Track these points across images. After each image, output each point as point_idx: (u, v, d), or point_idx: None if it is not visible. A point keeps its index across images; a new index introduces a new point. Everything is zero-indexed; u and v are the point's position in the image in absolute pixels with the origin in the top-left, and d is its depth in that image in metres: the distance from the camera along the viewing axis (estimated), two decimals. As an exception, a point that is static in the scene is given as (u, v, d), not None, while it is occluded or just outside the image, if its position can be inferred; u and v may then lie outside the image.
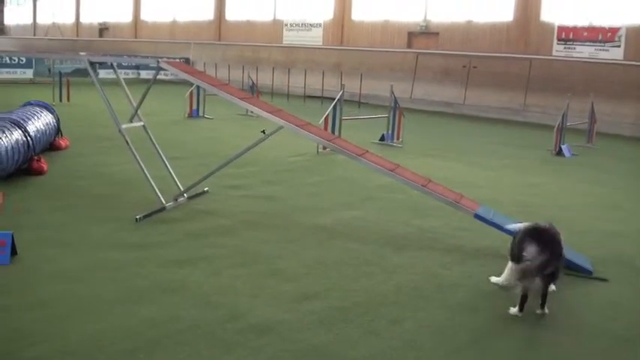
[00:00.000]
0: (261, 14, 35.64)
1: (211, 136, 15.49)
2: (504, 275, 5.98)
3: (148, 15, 43.83)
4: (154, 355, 4.40)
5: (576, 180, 12.29)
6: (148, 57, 29.32)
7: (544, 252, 5.23)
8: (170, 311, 5.11)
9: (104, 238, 6.96)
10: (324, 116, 13.97)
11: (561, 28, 24.43)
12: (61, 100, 21.05)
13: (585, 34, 23.81)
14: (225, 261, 6.43)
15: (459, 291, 5.98)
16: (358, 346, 4.70)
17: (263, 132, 8.00)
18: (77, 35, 49.54)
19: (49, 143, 11.85)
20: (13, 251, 6.11)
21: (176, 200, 8.51)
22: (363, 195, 9.80)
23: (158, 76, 9.26)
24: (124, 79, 9.79)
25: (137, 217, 7.65)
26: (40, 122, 11.11)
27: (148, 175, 8.38)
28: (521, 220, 6.35)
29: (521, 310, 5.41)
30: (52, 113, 12.22)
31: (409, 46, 29.21)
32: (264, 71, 30.39)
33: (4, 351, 4.35)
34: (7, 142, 9.14)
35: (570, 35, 24.20)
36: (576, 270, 6.49)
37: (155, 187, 8.29)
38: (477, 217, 7.31)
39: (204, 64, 33.71)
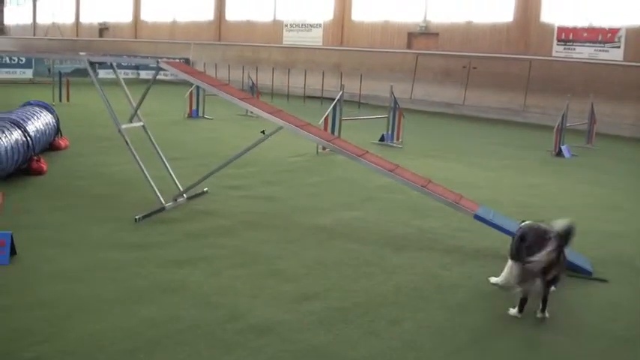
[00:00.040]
0: (261, 14, 35.65)
1: (211, 136, 15.49)
2: (503, 274, 5.99)
3: (147, 15, 43.84)
4: (154, 355, 4.39)
5: (576, 181, 12.29)
6: (147, 57, 29.32)
7: (550, 255, 5.22)
8: (170, 311, 5.11)
9: (104, 238, 6.96)
10: (324, 117, 13.97)
11: (561, 29, 24.44)
12: (60, 100, 21.04)
13: (585, 34, 23.82)
14: (225, 261, 6.43)
15: (459, 292, 5.97)
16: (358, 347, 4.69)
17: (263, 132, 8.00)
18: (77, 35, 49.54)
19: (49, 143, 11.85)
20: (13, 251, 6.11)
21: (175, 200, 8.50)
22: (362, 195, 9.80)
23: (158, 77, 9.26)
24: (124, 79, 9.79)
25: (136, 217, 7.65)
26: (39, 122, 11.10)
27: (147, 175, 8.38)
28: (521, 220, 6.33)
29: (520, 311, 5.41)
30: (51, 113, 12.22)
31: (409, 46, 29.22)
32: (264, 71, 30.39)
33: (4, 351, 4.35)
34: (6, 142, 9.13)
35: (570, 36, 24.22)
36: (576, 271, 6.49)
37: (155, 187, 8.29)
38: (477, 217, 7.31)
39: (204, 64, 33.71)
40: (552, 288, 5.55)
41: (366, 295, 5.75)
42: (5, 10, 60.37)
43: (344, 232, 7.74)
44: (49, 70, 27.56)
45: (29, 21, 55.79)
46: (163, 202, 8.23)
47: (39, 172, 9.88)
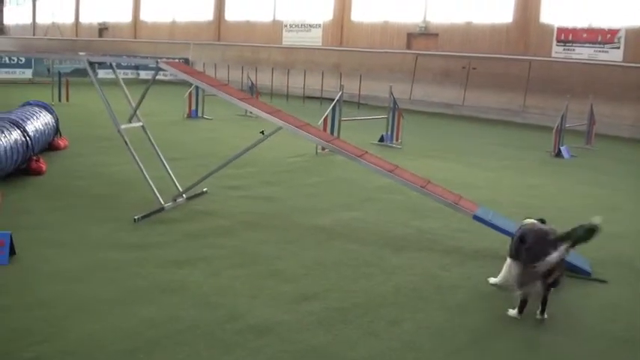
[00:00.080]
0: (260, 15, 35.65)
1: (210, 136, 15.48)
2: (502, 273, 6.00)
3: (147, 15, 43.83)
4: (154, 355, 4.39)
5: (575, 181, 12.29)
6: (147, 57, 29.31)
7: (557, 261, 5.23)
8: (169, 311, 5.11)
9: (103, 239, 6.96)
10: (324, 117, 13.97)
11: (561, 30, 24.45)
12: (60, 100, 21.04)
13: (585, 35, 23.83)
14: (225, 261, 6.43)
15: (458, 292, 5.97)
16: (357, 347, 4.69)
17: (262, 133, 8.00)
18: (76, 35, 49.52)
19: (48, 143, 11.84)
20: (12, 251, 6.11)
21: (175, 201, 8.50)
22: (362, 196, 9.80)
23: (157, 77, 9.26)
24: (123, 79, 9.78)
25: (135, 217, 7.65)
26: (39, 122, 11.10)
27: (146, 175, 8.37)
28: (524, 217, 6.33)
29: (520, 312, 5.41)
30: (51, 113, 12.21)
31: (408, 47, 29.22)
32: (263, 72, 30.37)
33: (4, 351, 4.35)
34: (5, 142, 9.13)
35: (570, 37, 24.22)
36: (575, 271, 6.49)
37: (154, 187, 8.29)
38: (476, 218, 7.31)
39: (204, 64, 33.68)
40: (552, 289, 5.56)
41: (366, 295, 5.75)
42: (5, 9, 60.35)
43: (343, 233, 7.74)
44: (49, 70, 27.55)
45: (29, 21, 55.77)
46: (162, 202, 8.23)
47: (38, 172, 9.88)
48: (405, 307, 5.52)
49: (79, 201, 8.57)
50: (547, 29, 24.80)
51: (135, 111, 8.78)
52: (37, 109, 11.84)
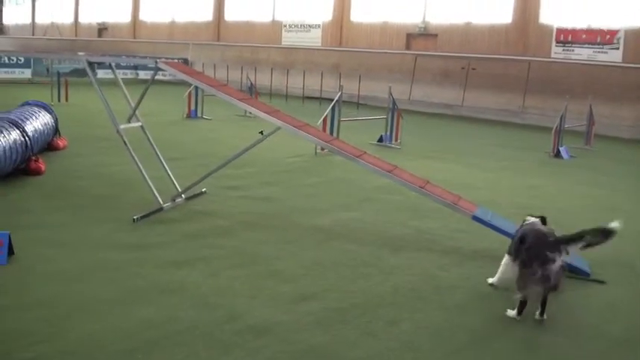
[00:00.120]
0: (260, 15, 35.66)
1: (209, 136, 15.48)
2: (499, 271, 6.00)
3: (146, 15, 43.83)
4: (152, 356, 4.39)
5: (574, 182, 12.30)
6: (146, 57, 29.30)
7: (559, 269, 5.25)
8: (168, 312, 5.11)
9: (102, 239, 6.95)
10: (323, 117, 13.97)
11: (560, 30, 24.47)
12: (59, 100, 21.03)
13: (584, 36, 23.86)
14: (224, 262, 6.43)
15: (457, 292, 5.97)
16: (356, 347, 4.69)
17: (261, 133, 8.00)
18: (76, 35, 49.51)
19: (47, 143, 11.83)
20: (10, 251, 6.10)
21: (174, 201, 8.50)
22: (361, 196, 9.80)
23: (157, 77, 9.26)
24: (123, 79, 9.78)
25: (134, 217, 7.64)
26: (38, 122, 11.09)
27: (145, 175, 8.37)
28: (519, 222, 6.33)
29: (519, 314, 5.41)
30: (50, 113, 12.20)
31: (408, 47, 29.24)
32: (262, 72, 30.38)
33: (3, 351, 4.34)
34: (4, 142, 9.13)
35: (569, 37, 24.24)
36: (574, 272, 6.49)
37: (153, 187, 8.28)
38: (475, 218, 7.31)
39: (203, 64, 33.69)
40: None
41: (364, 295, 5.75)
42: (4, 9, 60.33)
43: (342, 233, 7.74)
44: (48, 70, 27.54)
45: (28, 21, 55.75)
46: (161, 202, 8.22)
47: (37, 172, 9.87)
48: (403, 308, 5.52)
49: (78, 201, 8.56)
50: (546, 30, 24.83)
51: (134, 111, 8.78)
52: (36, 109, 11.83)
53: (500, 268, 6.01)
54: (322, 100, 25.62)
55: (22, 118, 10.56)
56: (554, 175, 12.98)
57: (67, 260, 6.20)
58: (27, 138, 9.87)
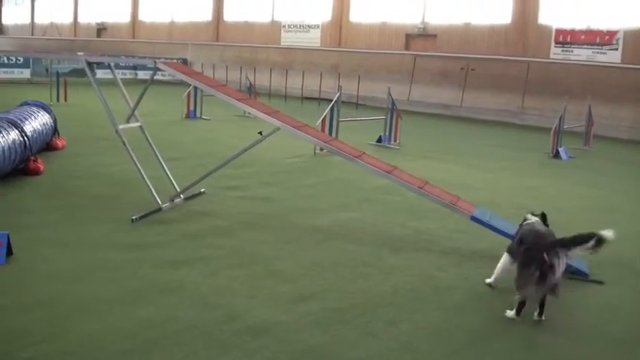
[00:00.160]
0: (259, 15, 35.66)
1: (208, 137, 15.48)
2: (498, 267, 6.00)
3: (145, 15, 43.82)
4: (152, 355, 4.39)
5: (574, 183, 12.31)
6: (145, 57, 29.30)
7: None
8: (167, 312, 5.11)
9: (101, 239, 6.95)
10: (322, 118, 13.96)
11: (559, 31, 24.48)
12: (58, 100, 21.01)
13: (583, 37, 23.87)
14: (223, 262, 6.42)
15: (456, 293, 5.98)
16: (355, 348, 4.69)
17: (260, 133, 8.00)
18: (75, 35, 49.49)
19: (46, 143, 11.82)
20: (9, 251, 6.09)
21: (173, 201, 8.49)
22: (359, 197, 9.80)
23: (155, 77, 9.26)
24: (122, 79, 9.78)
25: (133, 217, 7.64)
26: (37, 122, 11.09)
27: (144, 175, 8.36)
28: (518, 222, 6.33)
29: (518, 314, 5.41)
30: (49, 113, 12.19)
31: (407, 48, 29.24)
32: (262, 72, 30.38)
33: (4, 350, 4.34)
34: (3, 142, 9.12)
35: (568, 38, 24.25)
36: (573, 273, 6.49)
37: (152, 187, 8.28)
38: (474, 219, 7.31)
39: (202, 64, 33.69)
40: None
41: (363, 296, 5.75)
42: (3, 9, 60.31)
43: (341, 233, 7.74)
44: (47, 70, 27.50)
45: (27, 21, 55.73)
46: (160, 202, 8.22)
47: (36, 172, 9.87)
48: (402, 308, 5.52)
49: (76, 201, 8.56)
50: (545, 30, 24.84)
51: (133, 111, 8.77)
52: (35, 109, 11.83)
53: (498, 265, 6.01)
54: (321, 100, 25.62)
55: (21, 118, 10.56)
56: (553, 175, 12.99)
57: (66, 260, 6.20)
58: (26, 138, 9.87)
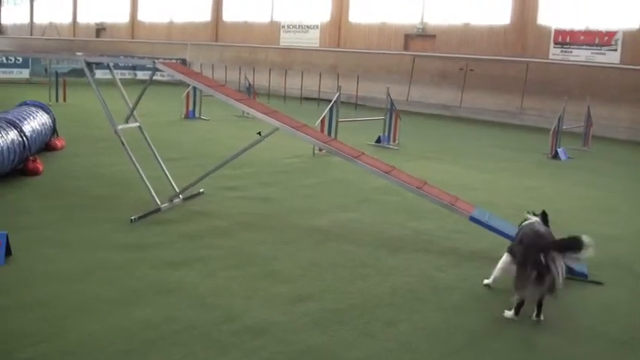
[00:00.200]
0: (258, 15, 35.64)
1: (207, 137, 15.48)
2: (497, 268, 6.00)
3: (145, 15, 43.80)
4: (150, 356, 4.39)
5: (572, 183, 12.31)
6: (144, 58, 29.27)
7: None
8: (166, 312, 5.10)
9: (100, 239, 6.95)
10: (321, 118, 13.97)
11: (558, 32, 24.49)
12: (57, 101, 20.99)
13: (582, 37, 23.87)
14: (221, 262, 6.42)
15: (455, 293, 5.98)
16: (353, 348, 4.69)
17: (259, 133, 8.00)
18: (74, 35, 49.46)
19: (45, 143, 11.82)
20: (8, 251, 6.09)
21: (171, 201, 8.49)
22: (358, 197, 9.80)
23: (155, 77, 9.27)
24: (121, 79, 9.78)
25: (132, 218, 7.64)
26: (35, 122, 11.08)
27: (143, 176, 8.36)
28: (517, 223, 6.34)
29: (516, 314, 5.42)
30: (48, 113, 12.19)
31: (406, 48, 29.24)
32: (261, 72, 30.37)
33: (4, 350, 4.34)
34: (2, 142, 9.12)
35: (567, 39, 24.26)
36: (571, 273, 6.49)
37: (150, 188, 8.27)
38: (472, 219, 7.31)
39: (201, 65, 33.70)
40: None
41: (362, 296, 5.75)
42: (2, 9, 60.27)
43: (340, 234, 7.74)
44: (46, 70, 27.47)
45: (26, 21, 55.70)
46: (159, 202, 8.22)
47: (35, 173, 9.86)
48: (401, 308, 5.52)
49: (75, 201, 8.55)
50: (544, 31, 24.84)
51: (132, 111, 8.77)
52: (33, 109, 11.82)
53: (498, 265, 6.01)
54: (320, 100, 25.63)
55: (20, 118, 10.55)
56: (552, 176, 12.99)
57: (65, 260, 6.20)
58: (25, 138, 9.86)
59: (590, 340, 5.16)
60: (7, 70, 29.58)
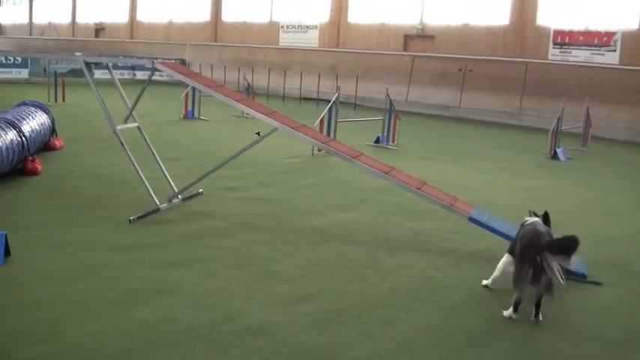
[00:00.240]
0: (257, 16, 35.63)
1: (206, 137, 15.47)
2: (497, 268, 6.00)
3: (144, 16, 43.78)
4: (149, 356, 4.39)
5: (571, 184, 12.32)
6: (143, 58, 29.25)
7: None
8: (165, 312, 5.10)
9: (99, 239, 6.94)
10: (320, 118, 13.97)
11: (557, 32, 24.50)
12: (56, 101, 20.99)
13: (581, 38, 23.88)
14: (220, 262, 6.42)
15: (453, 293, 5.98)
16: (353, 348, 4.69)
17: (258, 134, 8.00)
18: (73, 35, 49.44)
19: (44, 143, 11.81)
20: (7, 252, 6.08)
21: (170, 202, 8.49)
22: (357, 197, 9.80)
23: (154, 77, 9.25)
24: (120, 79, 9.78)
25: (131, 218, 7.63)
26: (34, 122, 11.08)
27: (142, 176, 8.36)
28: (516, 223, 6.34)
29: (515, 311, 5.42)
30: (46, 113, 12.19)
31: (405, 48, 29.24)
32: (260, 73, 30.37)
33: (3, 350, 4.34)
34: (1, 142, 9.11)
35: (566, 39, 24.27)
36: (570, 273, 6.49)
37: (149, 188, 8.27)
38: (472, 220, 7.31)
39: (200, 65, 33.70)
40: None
41: (361, 296, 5.75)
42: (1, 9, 60.24)
43: (339, 234, 7.74)
44: (45, 70, 27.43)
45: (25, 20, 55.67)
46: (158, 203, 8.21)
47: (34, 173, 9.86)
48: (400, 309, 5.52)
49: (74, 201, 8.55)
50: (543, 32, 24.85)
51: (130, 111, 8.77)
52: (32, 109, 11.82)
53: (499, 265, 6.01)
54: (319, 101, 25.63)
55: (19, 118, 10.55)
56: (551, 176, 13.00)
57: (64, 260, 6.20)
58: (24, 138, 9.86)
59: (589, 341, 5.16)
60: (6, 70, 29.57)
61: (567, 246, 5.28)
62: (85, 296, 5.36)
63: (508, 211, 9.18)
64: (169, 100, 22.39)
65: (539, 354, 4.90)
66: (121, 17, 45.17)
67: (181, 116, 19.30)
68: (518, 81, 24.75)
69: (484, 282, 6.17)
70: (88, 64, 8.89)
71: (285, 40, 34.17)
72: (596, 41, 23.50)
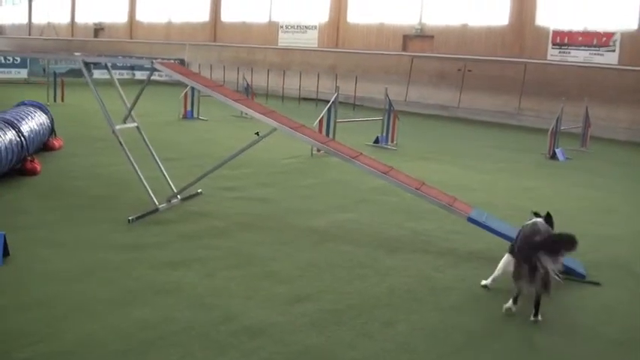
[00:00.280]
0: (256, 16, 35.63)
1: (205, 137, 15.47)
2: (498, 268, 6.01)
3: (143, 16, 43.77)
4: (148, 356, 4.39)
5: (571, 184, 12.32)
6: (142, 58, 29.22)
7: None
8: (164, 313, 5.10)
9: (98, 239, 6.94)
10: (319, 118, 13.97)
11: (556, 33, 24.51)
12: (55, 101, 20.98)
13: (580, 38, 23.89)
14: (219, 263, 6.42)
15: (452, 294, 5.98)
16: (351, 349, 4.69)
17: (257, 134, 8.00)
18: (72, 35, 49.41)
19: (43, 143, 11.81)
20: (6, 252, 6.08)
21: (169, 202, 8.49)
22: (356, 197, 9.80)
23: (153, 77, 9.25)
24: (119, 79, 9.78)
25: (130, 218, 7.63)
26: (33, 122, 11.07)
27: (141, 176, 8.36)
28: (515, 224, 6.35)
29: (514, 303, 5.44)
30: (46, 113, 12.19)
31: (404, 49, 29.25)
32: (259, 73, 30.37)
33: (1, 350, 4.34)
34: (0, 142, 9.10)
35: (565, 40, 24.28)
36: (569, 274, 6.50)
37: (148, 188, 8.27)
38: (470, 220, 7.31)
39: (200, 65, 33.68)
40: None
41: (360, 296, 5.75)
42: (0, 9, 60.20)
43: (338, 234, 7.74)
44: (44, 70, 27.43)
45: (24, 20, 55.63)
46: (157, 203, 8.21)
47: (33, 173, 9.86)
48: (399, 309, 5.52)
49: (73, 201, 8.55)
50: (543, 32, 24.86)
51: (130, 111, 8.77)
52: (31, 109, 11.82)
53: (499, 265, 6.01)
54: (318, 101, 25.63)
55: (18, 118, 10.54)
56: (551, 176, 13.00)
57: (63, 260, 6.20)
58: (23, 138, 9.86)
59: (589, 341, 5.16)
60: (5, 70, 29.55)
61: (561, 243, 5.30)
62: (84, 296, 5.36)
63: (507, 211, 9.19)
64: (168, 100, 22.37)
65: (539, 354, 4.90)
66: (120, 17, 45.16)
67: (180, 116, 19.30)
68: (517, 81, 24.76)
69: (483, 282, 6.17)
70: (87, 64, 8.88)
71: (285, 40, 34.17)
72: (595, 41, 23.51)
